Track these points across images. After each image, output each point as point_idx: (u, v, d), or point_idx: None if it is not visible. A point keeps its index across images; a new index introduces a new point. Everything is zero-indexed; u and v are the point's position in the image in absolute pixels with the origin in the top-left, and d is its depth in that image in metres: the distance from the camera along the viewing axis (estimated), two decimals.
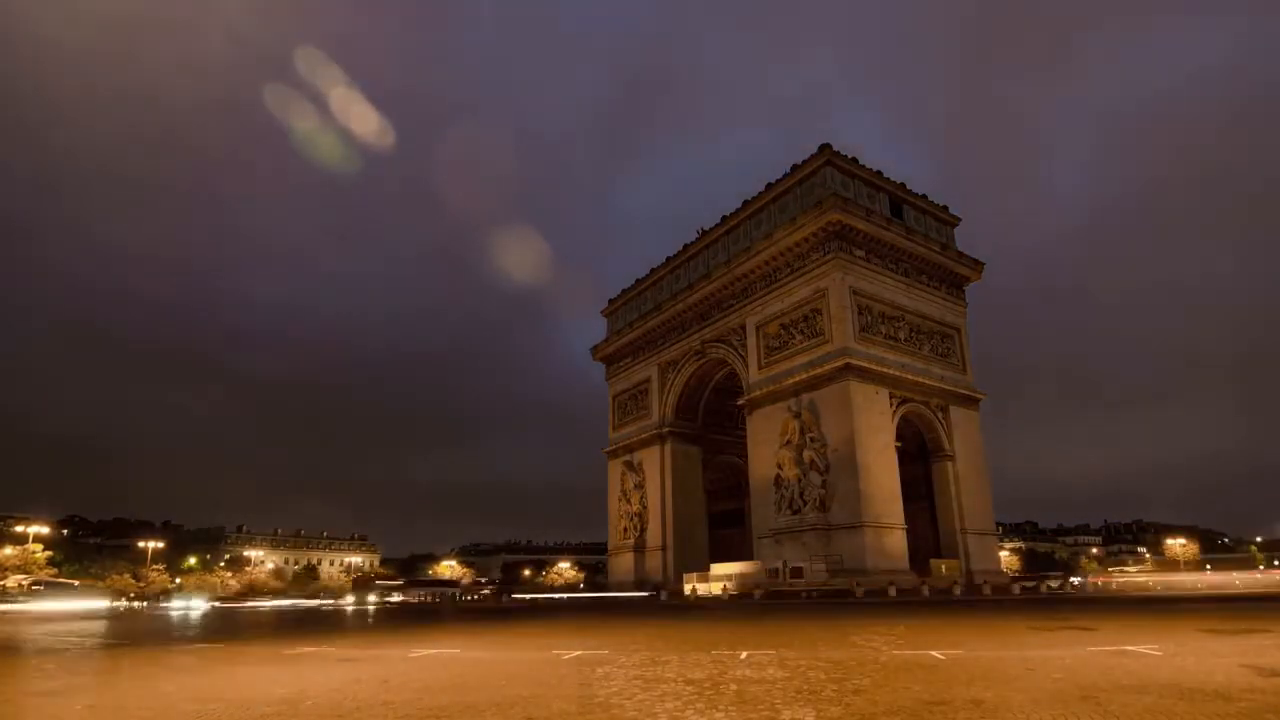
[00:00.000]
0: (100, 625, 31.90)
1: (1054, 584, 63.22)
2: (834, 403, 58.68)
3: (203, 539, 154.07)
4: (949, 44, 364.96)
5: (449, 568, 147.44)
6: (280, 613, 52.62)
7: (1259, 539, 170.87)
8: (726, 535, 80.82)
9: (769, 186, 69.51)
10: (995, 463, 68.43)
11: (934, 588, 52.42)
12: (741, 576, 58.99)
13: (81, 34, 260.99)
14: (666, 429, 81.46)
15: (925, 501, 64.29)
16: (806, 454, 59.50)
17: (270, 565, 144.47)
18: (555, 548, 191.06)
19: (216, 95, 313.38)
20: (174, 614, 50.96)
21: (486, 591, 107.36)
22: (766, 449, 63.93)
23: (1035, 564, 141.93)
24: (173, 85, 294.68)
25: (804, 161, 65.89)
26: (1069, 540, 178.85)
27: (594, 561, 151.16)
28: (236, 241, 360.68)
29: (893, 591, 47.81)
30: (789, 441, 61.20)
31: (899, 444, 60.77)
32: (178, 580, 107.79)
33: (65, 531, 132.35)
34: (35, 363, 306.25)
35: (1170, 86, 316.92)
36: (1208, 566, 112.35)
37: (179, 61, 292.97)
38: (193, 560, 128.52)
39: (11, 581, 59.90)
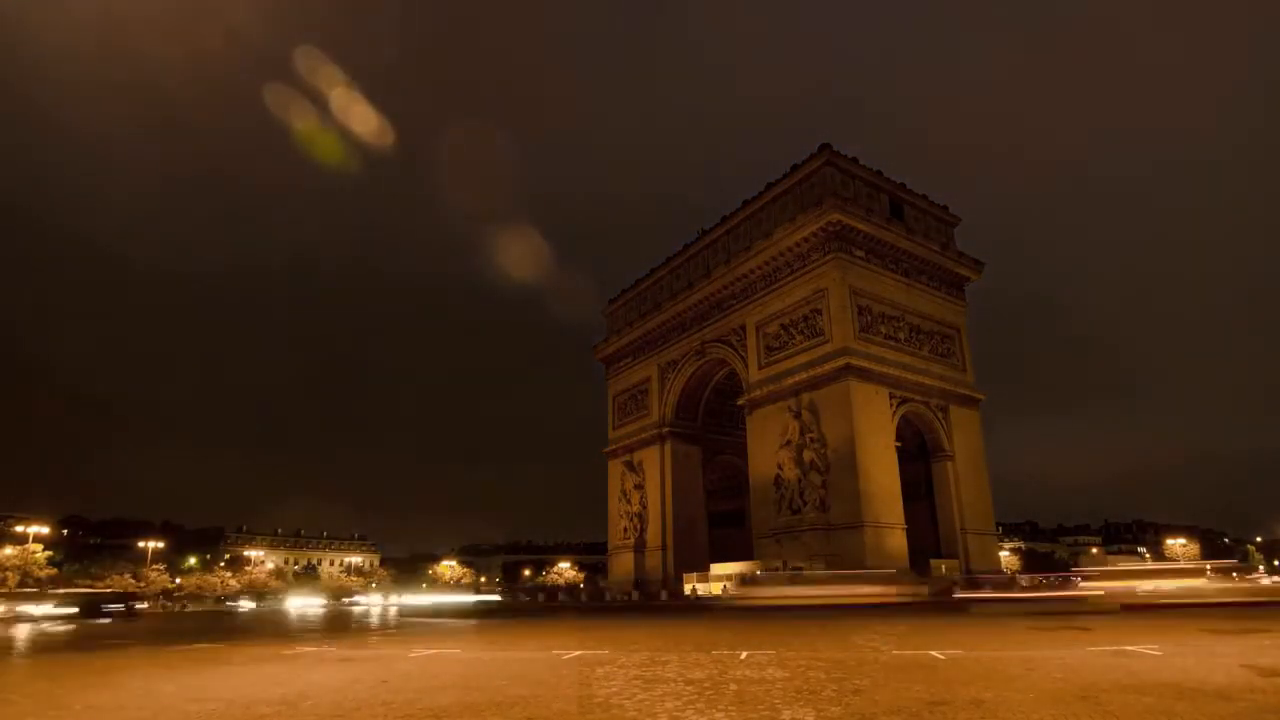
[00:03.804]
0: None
1: None
2: (834, 403, 58.65)
3: (203, 539, 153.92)
4: None
5: (449, 568, 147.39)
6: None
7: (1259, 539, 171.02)
8: (726, 535, 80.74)
9: (769, 186, 69.50)
10: (995, 463, 68.50)
11: (934, 588, 52.35)
12: (741, 577, 58.93)
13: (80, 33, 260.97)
14: (666, 429, 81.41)
15: (925, 501, 64.25)
16: (806, 454, 59.46)
17: (270, 565, 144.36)
18: (555, 548, 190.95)
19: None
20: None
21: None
22: (766, 449, 63.89)
23: (1035, 564, 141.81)
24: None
25: (804, 161, 65.87)
26: (1069, 540, 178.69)
27: (594, 561, 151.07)
28: (237, 242, 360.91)
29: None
30: (789, 441, 61.15)
31: (899, 444, 60.75)
32: (178, 580, 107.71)
33: (65, 531, 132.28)
34: (34, 360, 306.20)
35: None
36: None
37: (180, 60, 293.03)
38: (193, 560, 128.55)
39: None
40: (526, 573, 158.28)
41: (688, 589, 62.13)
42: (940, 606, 38.59)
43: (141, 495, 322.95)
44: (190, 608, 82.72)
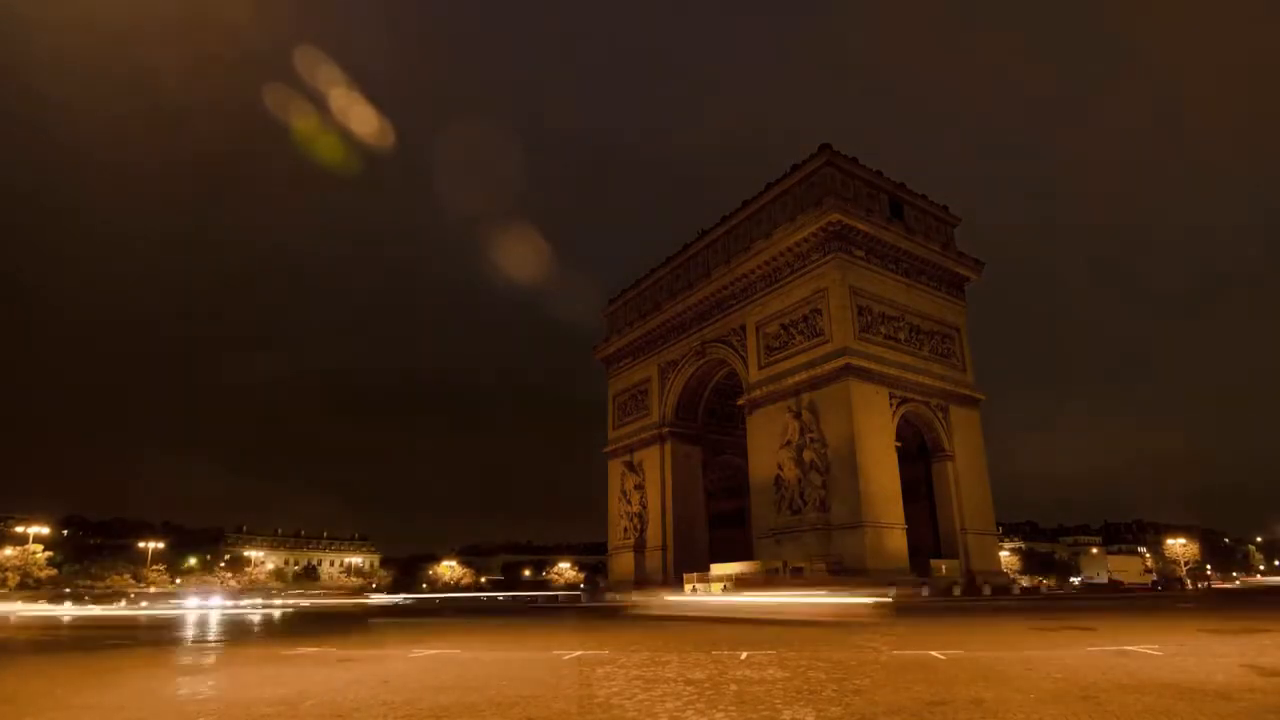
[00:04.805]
0: None
1: None
2: (834, 403, 58.65)
3: (203, 539, 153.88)
4: None
5: (449, 568, 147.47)
6: None
7: (1259, 539, 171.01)
8: (726, 535, 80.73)
9: (769, 186, 69.50)
10: (995, 463, 68.46)
11: (934, 588, 52.39)
12: (741, 576, 58.89)
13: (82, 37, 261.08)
14: (666, 429, 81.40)
15: (925, 501, 64.23)
16: (806, 454, 59.46)
17: (270, 566, 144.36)
18: (555, 548, 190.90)
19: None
20: None
21: None
22: (766, 449, 63.89)
23: (1035, 564, 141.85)
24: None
25: (804, 161, 65.86)
26: (1069, 540, 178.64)
27: (594, 562, 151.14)
28: (238, 242, 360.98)
29: (893, 593, 47.78)
30: (789, 441, 61.15)
31: (899, 444, 60.73)
32: (178, 580, 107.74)
33: (65, 531, 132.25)
34: (36, 359, 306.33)
35: None
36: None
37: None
38: (193, 560, 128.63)
39: None
40: (527, 573, 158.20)
41: (688, 589, 62.11)
42: None
43: (141, 495, 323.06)
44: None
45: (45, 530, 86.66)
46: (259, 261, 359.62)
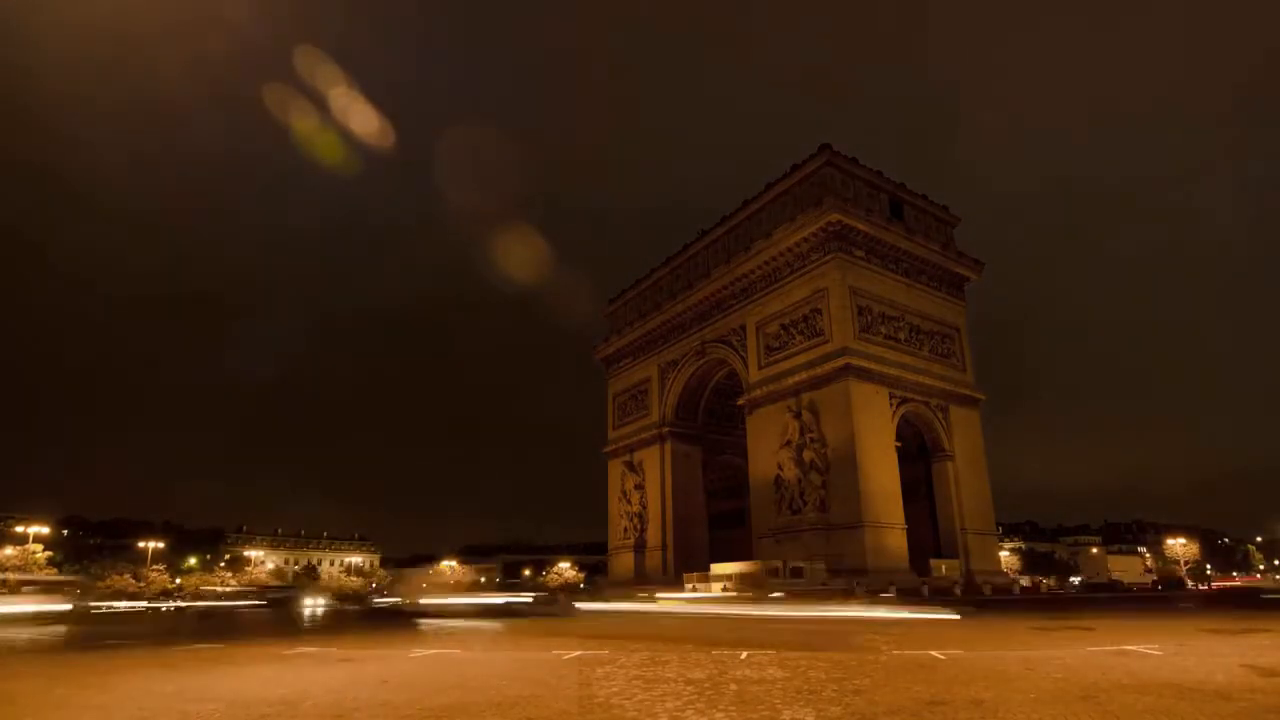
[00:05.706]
0: None
1: None
2: (834, 403, 58.63)
3: (203, 539, 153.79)
4: None
5: (449, 568, 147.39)
6: None
7: (1259, 539, 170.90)
8: (726, 535, 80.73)
9: (769, 186, 69.46)
10: (995, 463, 68.42)
11: (934, 588, 52.41)
12: (741, 576, 58.82)
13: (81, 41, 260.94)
14: (666, 429, 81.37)
15: (925, 501, 64.21)
16: (806, 454, 59.45)
17: (270, 565, 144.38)
18: (555, 548, 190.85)
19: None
20: None
21: None
22: (766, 449, 63.86)
23: (1035, 564, 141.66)
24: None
25: (804, 161, 65.84)
26: (1069, 540, 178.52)
27: (594, 561, 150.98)
28: (236, 240, 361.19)
29: (893, 592, 47.76)
30: (789, 441, 61.13)
31: (899, 444, 60.73)
32: (178, 580, 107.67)
33: (65, 531, 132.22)
34: (37, 360, 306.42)
35: None
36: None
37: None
38: (193, 560, 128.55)
39: None
40: (526, 572, 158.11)
41: (688, 588, 62.06)
42: None
43: (141, 495, 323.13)
44: None
45: (45, 530, 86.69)
46: (259, 257, 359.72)
